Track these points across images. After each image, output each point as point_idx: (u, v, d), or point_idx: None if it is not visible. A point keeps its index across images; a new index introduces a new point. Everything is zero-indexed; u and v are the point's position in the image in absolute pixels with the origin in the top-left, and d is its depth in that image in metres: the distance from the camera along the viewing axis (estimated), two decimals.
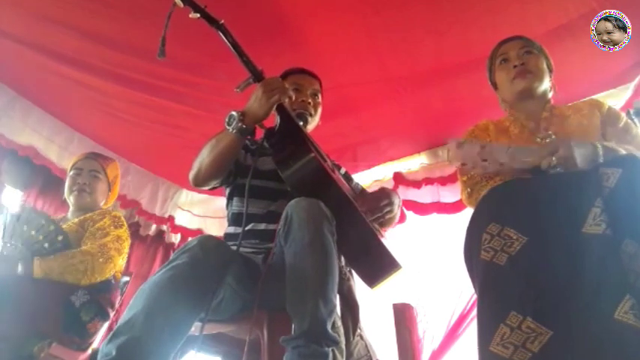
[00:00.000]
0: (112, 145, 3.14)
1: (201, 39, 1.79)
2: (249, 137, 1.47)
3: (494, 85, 1.79)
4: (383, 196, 1.64)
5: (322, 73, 1.85)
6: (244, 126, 1.39)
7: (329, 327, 1.12)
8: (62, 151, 2.97)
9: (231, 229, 1.61)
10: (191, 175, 1.56)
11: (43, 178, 3.01)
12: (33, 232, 1.86)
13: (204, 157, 1.50)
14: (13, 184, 2.96)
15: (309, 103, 1.73)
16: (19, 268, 1.78)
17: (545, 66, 1.69)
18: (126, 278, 2.16)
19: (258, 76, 1.44)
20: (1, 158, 2.81)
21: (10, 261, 1.82)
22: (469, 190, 1.63)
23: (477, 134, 1.73)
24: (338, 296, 1.50)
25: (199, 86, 2.53)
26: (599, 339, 1.02)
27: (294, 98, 1.70)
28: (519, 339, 1.07)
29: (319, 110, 1.80)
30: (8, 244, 1.85)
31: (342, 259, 1.52)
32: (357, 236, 1.39)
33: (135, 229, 3.40)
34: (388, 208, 1.62)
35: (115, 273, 1.99)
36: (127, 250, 2.06)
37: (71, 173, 2.18)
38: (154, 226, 3.55)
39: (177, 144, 3.00)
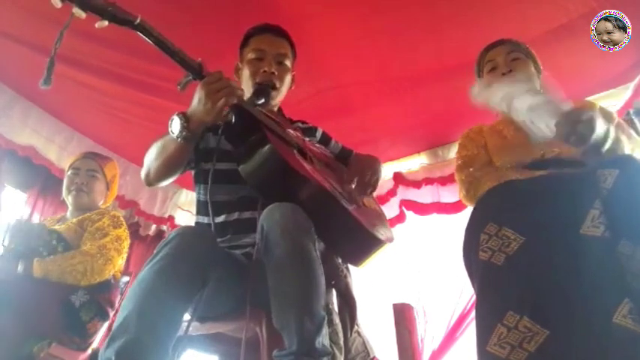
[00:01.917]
0: (111, 145, 3.15)
1: (200, 38, 1.80)
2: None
3: None
4: (366, 169, 1.55)
5: (322, 73, 1.84)
6: (189, 133, 1.25)
7: (318, 342, 1.09)
8: (62, 151, 2.97)
9: (205, 219, 1.49)
10: (142, 175, 1.45)
11: (43, 178, 3.01)
12: (31, 242, 1.88)
13: (152, 160, 1.38)
14: (13, 184, 2.96)
15: (273, 72, 1.53)
16: (20, 268, 1.78)
17: (533, 69, 1.69)
18: (126, 278, 2.16)
19: (196, 73, 1.26)
20: (1, 158, 2.81)
21: (10, 261, 1.82)
22: (467, 187, 1.63)
23: (471, 137, 1.74)
24: (335, 293, 1.49)
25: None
26: (597, 341, 1.02)
27: (254, 68, 1.54)
28: (516, 339, 1.07)
29: (287, 77, 1.60)
30: (9, 247, 1.86)
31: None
32: (334, 222, 1.32)
33: (135, 229, 3.40)
34: (374, 178, 1.55)
35: (114, 273, 1.99)
36: (126, 249, 2.06)
37: (69, 173, 2.18)
38: (153, 226, 3.55)
39: None
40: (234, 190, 1.44)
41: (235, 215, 1.43)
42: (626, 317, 0.99)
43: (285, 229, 1.16)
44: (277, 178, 1.28)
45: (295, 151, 1.42)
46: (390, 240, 1.46)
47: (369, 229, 1.37)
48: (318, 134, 1.75)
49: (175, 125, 1.26)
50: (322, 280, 1.16)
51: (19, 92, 2.80)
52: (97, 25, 1.13)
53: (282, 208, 1.19)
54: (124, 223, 2.10)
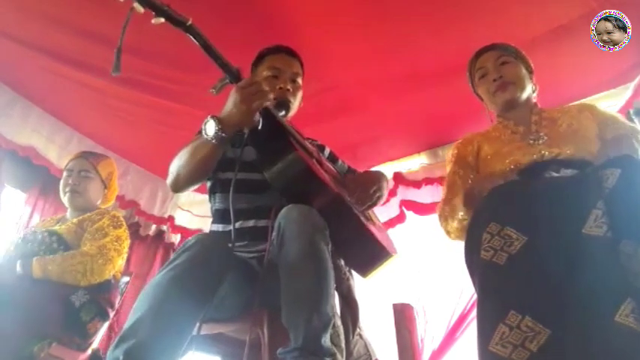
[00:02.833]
0: (111, 145, 3.15)
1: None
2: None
3: (480, 97, 1.80)
4: (370, 183, 1.59)
5: (322, 73, 1.84)
6: (224, 135, 1.29)
7: (324, 341, 1.11)
8: (62, 151, 2.97)
9: (220, 227, 1.54)
10: (169, 181, 1.48)
11: (43, 178, 3.01)
12: (28, 245, 1.91)
13: (182, 165, 1.42)
14: (13, 184, 2.96)
15: (289, 89, 1.63)
16: (18, 267, 1.78)
17: (524, 71, 1.69)
18: (126, 278, 2.16)
19: (234, 77, 1.32)
20: (1, 158, 2.81)
21: (9, 262, 1.82)
22: (440, 222, 1.67)
23: (460, 150, 1.74)
24: (338, 296, 1.50)
25: (200, 86, 2.53)
26: (598, 340, 1.02)
27: (270, 85, 1.57)
28: (518, 338, 1.07)
29: (299, 94, 1.70)
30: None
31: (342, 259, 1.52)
32: (348, 231, 1.37)
33: (135, 229, 3.40)
34: (378, 194, 1.59)
35: (114, 273, 1.98)
36: (126, 250, 2.06)
37: (64, 174, 2.17)
38: (153, 226, 3.55)
39: (177, 144, 3.00)
40: (252, 200, 1.48)
41: (251, 223, 1.48)
42: (629, 316, 1.00)
43: (301, 228, 1.20)
44: (300, 183, 1.34)
45: (314, 161, 1.48)
46: (395, 253, 1.49)
47: (379, 240, 1.41)
48: (326, 152, 1.81)
49: (210, 127, 1.29)
50: (332, 281, 1.20)
51: (19, 92, 2.80)
52: (153, 22, 1.20)
53: (299, 208, 1.24)
54: (124, 223, 2.09)
